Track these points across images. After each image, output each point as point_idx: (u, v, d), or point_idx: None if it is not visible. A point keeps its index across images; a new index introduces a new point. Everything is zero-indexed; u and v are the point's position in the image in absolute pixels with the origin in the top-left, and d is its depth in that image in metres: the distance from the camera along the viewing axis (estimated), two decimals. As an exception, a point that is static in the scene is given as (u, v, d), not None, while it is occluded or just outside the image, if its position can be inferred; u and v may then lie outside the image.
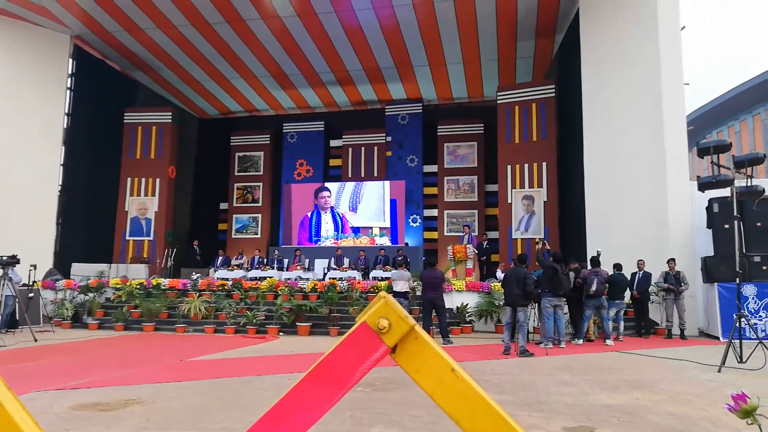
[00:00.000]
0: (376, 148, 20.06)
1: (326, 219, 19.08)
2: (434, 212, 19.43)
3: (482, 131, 19.35)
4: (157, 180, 18.17)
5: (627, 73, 12.47)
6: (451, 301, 11.60)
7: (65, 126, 16.17)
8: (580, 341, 9.64)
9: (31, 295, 11.71)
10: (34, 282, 11.90)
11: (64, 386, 5.58)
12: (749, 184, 8.83)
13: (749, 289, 10.12)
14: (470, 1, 14.12)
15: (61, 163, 16.06)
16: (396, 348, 1.10)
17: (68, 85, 16.32)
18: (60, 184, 15.97)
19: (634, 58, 12.39)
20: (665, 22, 11.97)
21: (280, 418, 1.04)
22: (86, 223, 16.73)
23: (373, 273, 14.38)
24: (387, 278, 12.51)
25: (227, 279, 13.62)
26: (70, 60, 16.33)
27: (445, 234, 18.82)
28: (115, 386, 5.68)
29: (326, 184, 19.57)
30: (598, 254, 10.35)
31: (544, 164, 15.72)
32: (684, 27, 12.21)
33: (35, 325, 11.23)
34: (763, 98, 29.71)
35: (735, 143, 30.18)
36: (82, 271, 14.21)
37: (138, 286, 13.07)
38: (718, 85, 60.76)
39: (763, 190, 9.00)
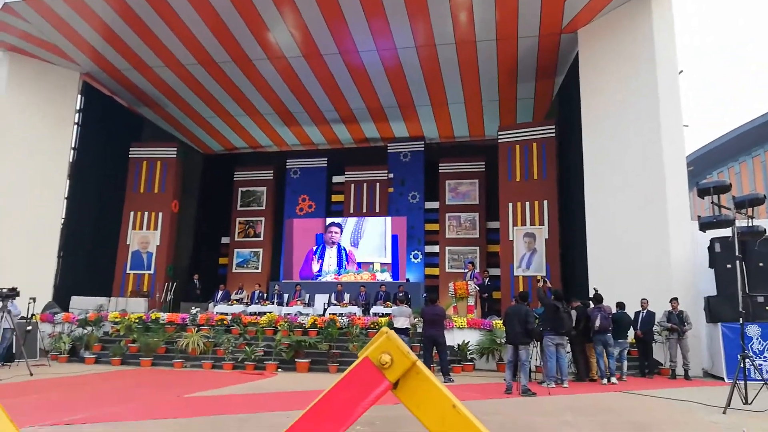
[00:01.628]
0: (378, 184, 20.20)
1: (331, 254, 19.04)
2: (435, 248, 19.41)
3: (483, 169, 19.51)
4: (160, 214, 18.26)
5: (626, 115, 12.64)
6: (453, 338, 11.48)
7: (71, 160, 16.36)
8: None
9: (29, 328, 11.63)
10: (33, 315, 11.83)
11: (59, 422, 5.50)
12: (750, 224, 8.85)
13: (753, 330, 10.02)
14: (471, 44, 14.47)
15: (66, 196, 16.19)
16: (398, 383, 1.10)
17: (76, 121, 16.61)
18: (63, 217, 16.06)
19: (633, 100, 12.58)
20: (663, 65, 12.19)
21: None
22: (88, 257, 16.74)
23: (374, 309, 14.27)
24: (387, 314, 12.41)
25: (226, 314, 13.53)
26: (79, 96, 16.66)
27: (447, 270, 18.74)
28: (110, 422, 5.59)
29: (330, 220, 19.62)
30: (596, 291, 10.37)
31: (545, 202, 15.79)
32: (682, 71, 12.46)
33: (32, 358, 11.14)
34: (763, 140, 30.00)
35: (735, 184, 30.37)
36: (81, 304, 14.13)
37: (136, 320, 12.97)
38: (717, 126, 61.49)
39: (765, 230, 9.00)
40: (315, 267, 18.97)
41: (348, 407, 1.08)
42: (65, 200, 16.18)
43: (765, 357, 9.89)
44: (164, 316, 13.27)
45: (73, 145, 16.50)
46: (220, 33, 14.22)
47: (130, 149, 18.70)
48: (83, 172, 16.74)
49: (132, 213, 18.25)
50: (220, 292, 16.16)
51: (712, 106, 68.40)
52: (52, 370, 10.52)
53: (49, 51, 15.17)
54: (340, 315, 12.70)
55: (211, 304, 15.41)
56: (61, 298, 14.76)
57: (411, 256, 19.15)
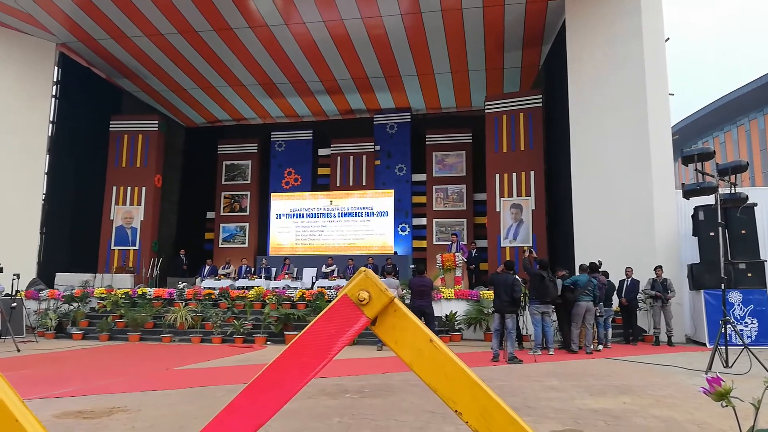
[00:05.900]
0: (364, 156, 20.07)
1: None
2: (423, 221, 19.44)
3: (470, 140, 19.43)
4: (143, 189, 18.02)
5: (613, 84, 12.61)
6: (440, 309, 11.59)
7: (50, 134, 16.00)
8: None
9: (14, 305, 11.49)
10: (18, 291, 11.68)
11: (47, 395, 5.47)
12: (733, 191, 8.94)
13: (735, 296, 10.21)
14: (458, 12, 14.24)
15: (46, 171, 15.87)
16: (376, 320, 1.11)
17: (53, 93, 16.19)
18: (44, 192, 15.78)
19: (619, 68, 12.54)
20: (649, 33, 12.15)
21: (264, 388, 1.04)
22: (71, 233, 16.52)
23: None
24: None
25: (214, 288, 13.50)
26: (56, 68, 16.21)
27: (434, 243, 18.81)
28: (99, 394, 5.58)
29: (316, 194, 19.52)
30: (600, 263, 10.38)
31: (532, 173, 15.82)
32: (668, 39, 12.41)
33: (18, 335, 11.05)
34: (747, 109, 30.21)
35: (720, 153, 30.64)
36: (66, 280, 14.01)
37: (123, 296, 12.90)
38: (702, 95, 61.71)
39: (747, 197, 9.11)
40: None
41: (328, 342, 1.11)
42: (45, 175, 15.87)
43: (746, 323, 10.11)
44: (151, 291, 13.22)
45: (51, 119, 16.11)
46: (200, 1, 13.83)
47: (111, 122, 18.31)
48: (63, 146, 16.38)
49: (114, 188, 17.98)
50: (207, 267, 16.10)
51: (698, 75, 68.51)
52: (40, 346, 10.47)
53: (23, 20, 14.68)
54: (329, 288, 12.73)
55: (197, 279, 15.36)
56: (45, 275, 14.62)
57: (398, 229, 19.17)
